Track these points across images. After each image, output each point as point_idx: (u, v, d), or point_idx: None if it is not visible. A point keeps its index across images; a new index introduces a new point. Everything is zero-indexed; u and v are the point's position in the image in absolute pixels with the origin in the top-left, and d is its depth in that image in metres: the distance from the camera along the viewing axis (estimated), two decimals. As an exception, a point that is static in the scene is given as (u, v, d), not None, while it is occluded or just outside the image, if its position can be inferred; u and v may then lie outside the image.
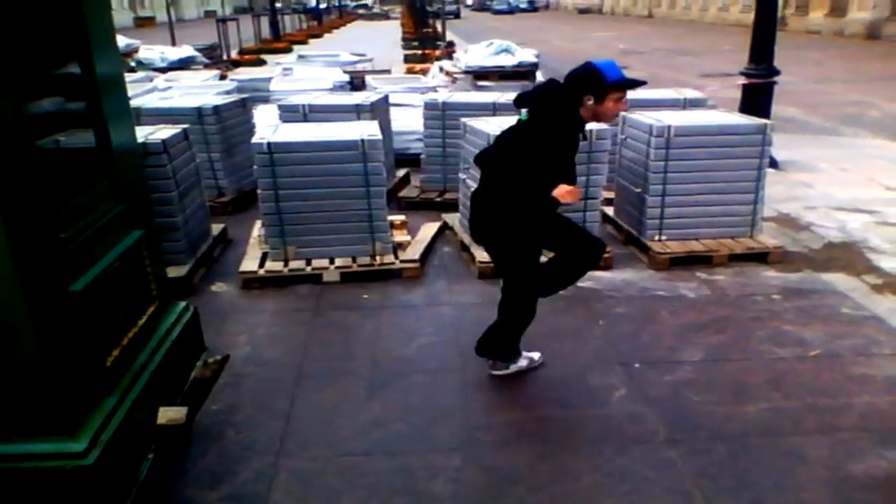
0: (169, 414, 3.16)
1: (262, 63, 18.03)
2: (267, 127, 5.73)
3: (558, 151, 3.34)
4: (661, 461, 3.10)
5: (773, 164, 7.37)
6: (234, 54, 20.36)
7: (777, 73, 7.55)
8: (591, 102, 3.27)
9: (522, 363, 3.80)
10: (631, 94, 7.39)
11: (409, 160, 7.71)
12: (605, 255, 5.19)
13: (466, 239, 5.48)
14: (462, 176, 5.58)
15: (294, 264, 5.05)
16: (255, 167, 4.95)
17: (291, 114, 6.50)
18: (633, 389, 3.66)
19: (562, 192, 3.31)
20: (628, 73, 3.37)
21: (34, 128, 2.54)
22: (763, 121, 5.42)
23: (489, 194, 3.42)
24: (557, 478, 3.00)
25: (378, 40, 28.14)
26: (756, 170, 5.26)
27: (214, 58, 16.93)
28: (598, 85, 3.24)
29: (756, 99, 7.47)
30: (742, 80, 7.64)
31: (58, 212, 2.63)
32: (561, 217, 3.61)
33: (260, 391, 3.69)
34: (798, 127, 10.38)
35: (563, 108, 3.28)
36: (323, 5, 50.40)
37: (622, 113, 5.86)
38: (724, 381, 3.73)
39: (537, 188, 3.31)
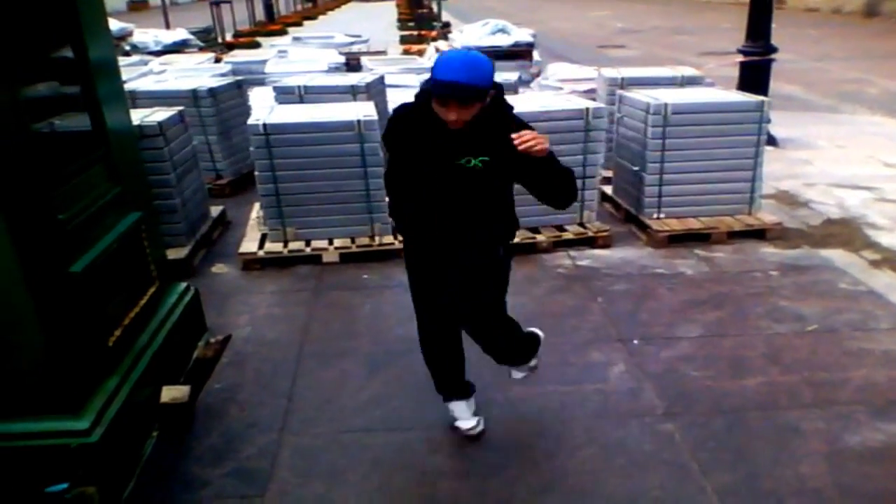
0: (172, 393, 3.19)
1: (256, 45, 17.86)
2: (263, 108, 5.72)
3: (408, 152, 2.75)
4: (659, 435, 3.13)
5: (772, 141, 7.36)
6: (228, 37, 20.20)
7: (774, 50, 7.52)
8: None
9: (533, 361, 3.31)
10: (628, 73, 7.34)
11: (406, 141, 7.68)
12: (604, 234, 5.23)
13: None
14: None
15: (293, 245, 5.06)
16: (251, 149, 4.94)
17: (287, 95, 6.46)
18: (632, 365, 3.68)
19: None
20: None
21: (30, 112, 2.56)
22: (761, 98, 5.42)
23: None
24: (556, 452, 3.03)
25: (374, 21, 27.95)
26: (754, 147, 5.25)
27: (209, 41, 16.82)
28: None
29: (754, 76, 7.44)
30: (739, 58, 7.61)
31: (55, 194, 2.64)
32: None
33: (262, 370, 3.71)
34: (797, 104, 10.35)
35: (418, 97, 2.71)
36: (318, -13, 49.99)
37: (619, 91, 5.87)
38: (721, 356, 3.76)
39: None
